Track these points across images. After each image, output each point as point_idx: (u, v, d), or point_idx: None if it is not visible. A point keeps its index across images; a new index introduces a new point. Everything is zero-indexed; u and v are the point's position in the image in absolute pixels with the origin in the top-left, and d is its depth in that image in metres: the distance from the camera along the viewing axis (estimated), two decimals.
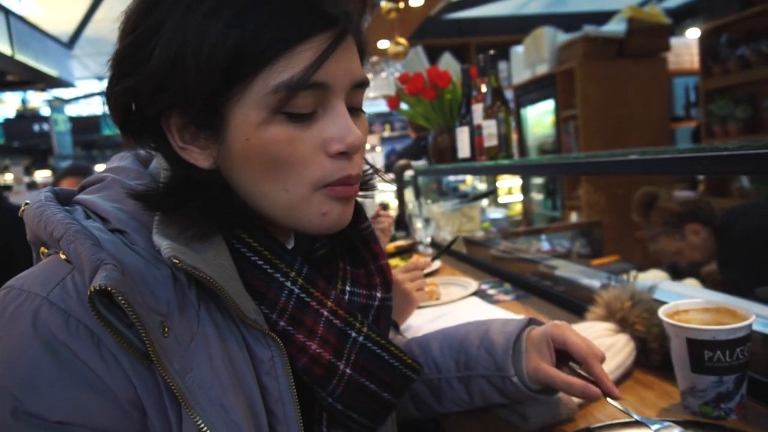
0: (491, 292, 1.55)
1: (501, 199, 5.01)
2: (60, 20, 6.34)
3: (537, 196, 4.93)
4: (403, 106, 2.35)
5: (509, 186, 5.29)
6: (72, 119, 9.31)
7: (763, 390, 0.80)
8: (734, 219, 2.05)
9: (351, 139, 0.55)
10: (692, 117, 4.62)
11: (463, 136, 1.94)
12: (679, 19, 6.14)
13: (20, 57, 5.72)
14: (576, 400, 0.82)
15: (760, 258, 1.83)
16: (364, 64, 0.60)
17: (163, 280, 0.51)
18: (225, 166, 0.55)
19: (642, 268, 2.12)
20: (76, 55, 7.36)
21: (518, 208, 5.06)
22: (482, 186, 3.95)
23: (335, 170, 0.55)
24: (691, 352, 0.76)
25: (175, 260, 0.49)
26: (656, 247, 2.22)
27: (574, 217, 4.01)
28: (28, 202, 0.57)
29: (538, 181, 4.89)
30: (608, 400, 0.69)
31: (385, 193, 4.27)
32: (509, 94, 5.02)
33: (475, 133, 1.85)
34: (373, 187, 0.71)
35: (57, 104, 9.00)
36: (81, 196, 0.58)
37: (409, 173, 2.83)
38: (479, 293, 1.55)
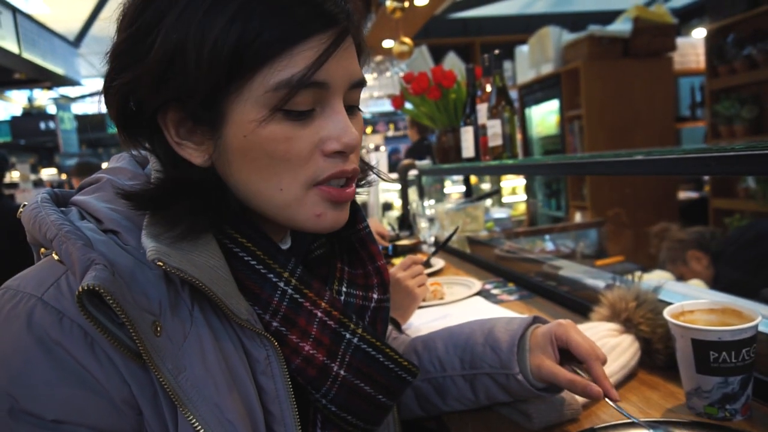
0: (495, 291, 1.55)
1: (505, 199, 5.01)
2: (67, 19, 6.38)
3: (541, 196, 4.92)
4: (408, 105, 2.35)
5: (513, 186, 5.29)
6: (78, 117, 9.35)
7: None
8: (733, 241, 2.14)
9: (347, 139, 0.55)
10: (698, 117, 4.60)
11: (467, 135, 1.94)
12: (685, 18, 6.12)
13: (27, 55, 5.74)
14: (580, 400, 0.82)
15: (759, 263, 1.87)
16: (362, 63, 0.60)
17: (155, 280, 0.52)
18: (220, 163, 0.55)
19: (647, 268, 2.11)
20: (82, 53, 7.39)
21: (522, 208, 5.06)
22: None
23: (328, 167, 0.55)
24: (697, 352, 0.75)
25: (159, 263, 0.49)
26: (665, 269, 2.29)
27: (578, 218, 4.00)
28: (25, 204, 0.57)
29: (542, 181, 4.88)
30: (607, 400, 0.69)
31: (389, 192, 4.28)
32: (514, 94, 5.01)
33: (480, 132, 1.85)
34: (370, 185, 0.71)
35: (63, 102, 9.05)
36: (77, 197, 0.58)
37: (413, 173, 2.83)
38: (483, 293, 1.54)
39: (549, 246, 2.73)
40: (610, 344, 0.92)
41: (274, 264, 0.58)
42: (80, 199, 0.57)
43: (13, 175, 7.37)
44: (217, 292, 0.51)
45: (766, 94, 3.36)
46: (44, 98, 9.51)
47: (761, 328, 0.75)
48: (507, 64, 5.63)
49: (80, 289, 0.45)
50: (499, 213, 3.29)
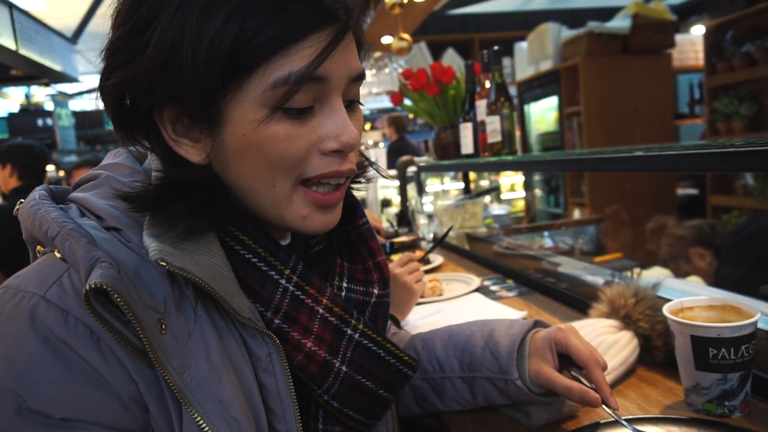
0: (494, 288, 1.55)
1: (504, 196, 5.01)
2: (64, 15, 6.34)
3: (540, 193, 4.92)
4: (407, 101, 2.34)
5: (512, 183, 5.29)
6: (76, 114, 9.32)
7: (767, 387, 0.80)
8: (736, 232, 2.12)
9: (346, 138, 0.54)
10: (696, 114, 4.60)
11: (466, 132, 1.94)
12: (684, 15, 6.11)
13: (24, 51, 5.72)
14: None
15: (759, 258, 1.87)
16: (362, 58, 0.59)
17: (159, 278, 0.51)
18: (217, 161, 0.54)
19: (645, 265, 2.11)
20: (80, 49, 7.36)
21: (521, 205, 5.06)
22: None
23: (323, 165, 0.54)
24: (696, 349, 0.75)
25: (162, 263, 0.48)
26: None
27: (577, 214, 4.00)
28: (22, 200, 0.57)
29: (540, 177, 4.88)
30: (604, 407, 0.69)
31: (387, 189, 4.27)
32: (512, 91, 4.99)
33: (479, 129, 1.85)
34: (369, 182, 0.71)
35: (61, 99, 9.01)
36: (75, 194, 0.58)
37: (411, 169, 2.83)
38: (482, 289, 1.54)
39: (548, 243, 2.73)
40: (609, 341, 0.92)
41: (275, 261, 0.58)
42: (79, 196, 0.57)
43: None
44: (220, 291, 0.51)
45: (765, 91, 3.36)
46: (41, 95, 9.47)
47: (760, 325, 0.75)
48: (506, 61, 5.63)
49: (87, 287, 0.45)
50: (498, 210, 3.29)
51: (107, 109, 0.55)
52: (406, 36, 3.89)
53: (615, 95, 4.00)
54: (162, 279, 0.51)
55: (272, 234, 0.60)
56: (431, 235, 2.25)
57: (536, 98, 4.84)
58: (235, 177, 0.55)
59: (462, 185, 3.01)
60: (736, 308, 0.79)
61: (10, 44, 5.47)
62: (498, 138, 1.70)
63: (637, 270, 1.44)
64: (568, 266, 1.56)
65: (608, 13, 4.85)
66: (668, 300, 0.85)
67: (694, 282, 1.83)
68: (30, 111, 9.60)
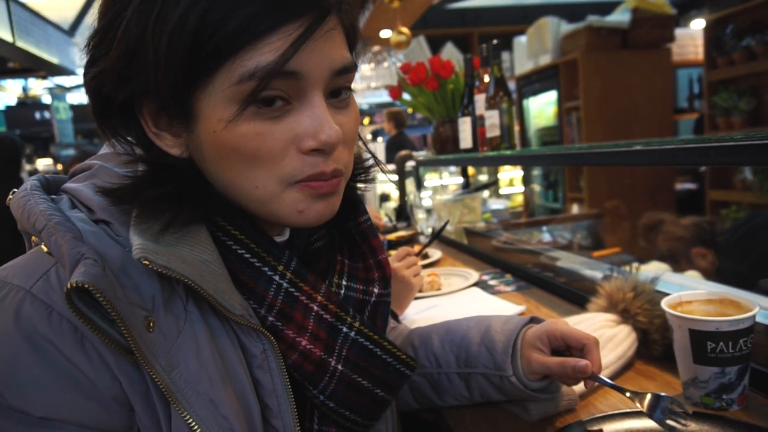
0: (492, 282, 1.55)
1: (502, 191, 5.01)
2: (61, 7, 6.31)
3: (538, 188, 4.92)
4: (405, 96, 2.34)
5: (511, 177, 5.29)
6: (73, 107, 9.29)
7: (765, 381, 0.80)
8: (737, 228, 2.09)
9: (325, 136, 0.50)
10: (695, 109, 4.60)
11: (465, 126, 1.93)
12: (684, 9, 6.10)
13: (21, 44, 5.69)
14: (577, 390, 0.82)
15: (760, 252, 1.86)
16: (354, 49, 0.57)
17: (148, 274, 0.50)
18: (197, 157, 0.53)
19: (643, 260, 2.11)
20: (77, 42, 7.32)
21: (520, 200, 5.06)
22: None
23: (306, 166, 0.51)
24: (694, 343, 0.75)
25: (145, 261, 0.47)
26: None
27: (575, 209, 4.00)
28: (15, 190, 0.56)
29: (539, 172, 4.88)
30: (598, 377, 0.71)
31: (386, 183, 4.27)
32: (511, 85, 4.99)
33: (478, 123, 1.84)
34: (372, 180, 0.69)
35: (58, 92, 8.98)
36: (69, 185, 0.57)
37: (410, 164, 2.82)
38: (480, 284, 1.54)
39: (546, 237, 2.73)
40: (607, 335, 0.93)
41: (269, 257, 0.56)
42: (72, 187, 0.56)
43: None
44: (208, 288, 0.50)
45: (765, 86, 3.35)
46: (39, 88, 9.44)
47: (759, 319, 0.75)
48: (505, 55, 5.61)
49: (69, 286, 0.44)
50: (496, 204, 3.29)
51: (89, 101, 0.54)
52: (404, 30, 3.88)
53: (614, 90, 3.99)
54: (150, 275, 0.50)
55: (267, 229, 0.58)
56: (430, 230, 2.25)
57: (535, 93, 4.83)
58: (215, 174, 0.53)
59: (461, 180, 3.01)
60: (735, 302, 0.79)
61: (7, 36, 5.44)
62: (497, 132, 1.70)
63: (635, 264, 1.44)
64: (567, 261, 1.56)
65: (608, 7, 4.83)
66: (666, 294, 0.85)
67: (693, 276, 1.83)
68: (27, 104, 9.57)
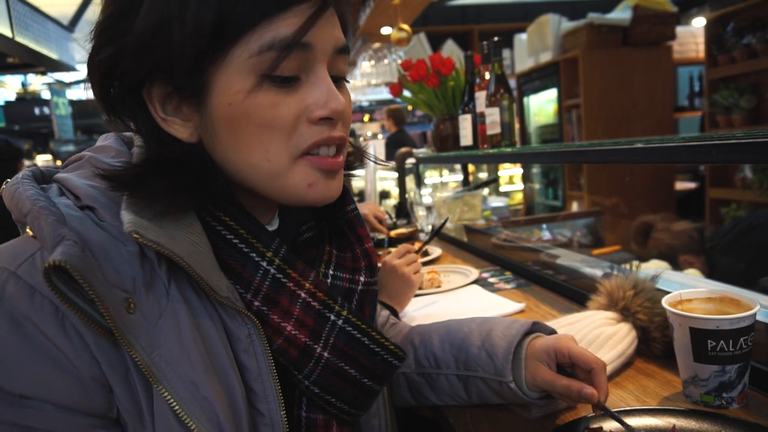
0: (492, 280, 1.55)
1: (502, 188, 5.01)
2: (61, 3, 6.29)
3: (538, 186, 4.92)
4: (406, 93, 2.33)
5: (511, 175, 5.29)
6: (73, 103, 9.28)
7: (765, 379, 0.80)
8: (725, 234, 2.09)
9: (334, 105, 0.54)
10: (696, 107, 4.59)
11: (465, 123, 1.93)
12: (685, 7, 6.08)
13: (20, 39, 5.67)
14: None
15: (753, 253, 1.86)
16: (347, 35, 0.60)
17: (129, 257, 0.51)
18: (207, 136, 0.55)
19: (643, 258, 2.11)
20: (76, 38, 7.30)
21: (519, 197, 5.06)
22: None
23: (315, 134, 0.55)
24: (694, 341, 0.75)
25: (135, 235, 0.48)
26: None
27: (575, 207, 4.00)
28: (8, 180, 0.57)
29: (539, 170, 4.88)
30: (604, 406, 0.68)
31: (386, 181, 4.26)
32: (512, 83, 4.98)
33: (478, 120, 1.84)
34: (358, 167, 0.71)
35: (58, 88, 8.96)
36: (59, 175, 0.58)
37: (410, 161, 2.82)
38: (480, 281, 1.54)
39: (546, 235, 2.73)
40: (607, 333, 0.93)
41: (257, 243, 0.58)
42: (61, 176, 0.57)
43: None
44: (195, 267, 0.51)
45: (765, 84, 3.35)
46: (38, 83, 9.42)
47: (759, 317, 0.75)
48: (505, 53, 5.60)
49: (46, 265, 0.45)
50: (496, 202, 3.29)
51: (94, 88, 0.55)
52: (405, 27, 3.87)
53: (615, 87, 3.99)
54: (132, 258, 0.51)
55: (259, 219, 0.60)
56: (430, 227, 2.24)
57: (535, 90, 4.82)
58: (226, 151, 0.55)
59: (461, 177, 3.00)
60: (735, 300, 0.79)
61: (6, 31, 5.43)
62: (497, 130, 1.70)
63: (635, 262, 1.44)
64: (567, 258, 1.56)
65: (609, 4, 4.82)
66: (667, 292, 0.85)
67: (693, 274, 1.83)
68: (27, 99, 9.56)
